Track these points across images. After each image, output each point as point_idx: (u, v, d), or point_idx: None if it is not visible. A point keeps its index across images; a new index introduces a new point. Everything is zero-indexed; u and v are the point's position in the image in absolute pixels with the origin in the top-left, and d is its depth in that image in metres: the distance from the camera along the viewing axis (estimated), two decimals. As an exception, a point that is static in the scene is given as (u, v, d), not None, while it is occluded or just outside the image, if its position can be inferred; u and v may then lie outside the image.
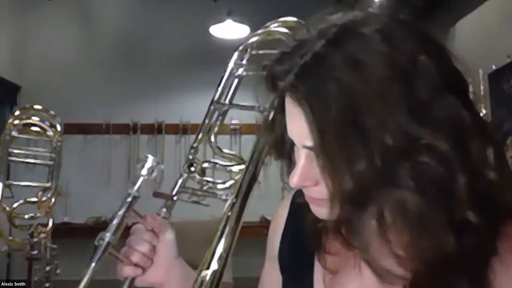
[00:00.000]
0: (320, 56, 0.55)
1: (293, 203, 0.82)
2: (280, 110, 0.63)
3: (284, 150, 0.68)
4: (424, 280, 0.57)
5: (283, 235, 0.80)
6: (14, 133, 2.15)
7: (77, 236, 4.32)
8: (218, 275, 0.52)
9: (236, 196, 0.67)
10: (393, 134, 0.51)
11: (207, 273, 0.51)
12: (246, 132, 4.79)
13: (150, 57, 5.01)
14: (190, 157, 0.77)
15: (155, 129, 5.02)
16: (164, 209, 0.82)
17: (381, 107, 0.52)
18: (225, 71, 0.86)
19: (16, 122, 2.15)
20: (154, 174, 0.72)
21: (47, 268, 2.22)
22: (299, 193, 0.80)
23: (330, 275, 0.70)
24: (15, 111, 2.23)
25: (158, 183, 0.77)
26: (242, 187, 0.69)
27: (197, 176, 0.77)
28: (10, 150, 2.15)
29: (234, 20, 4.19)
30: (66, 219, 4.51)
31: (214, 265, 0.52)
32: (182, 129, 4.97)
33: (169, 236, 0.80)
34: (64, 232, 3.72)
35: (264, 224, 4.52)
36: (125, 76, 4.94)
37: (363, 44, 0.54)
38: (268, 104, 0.67)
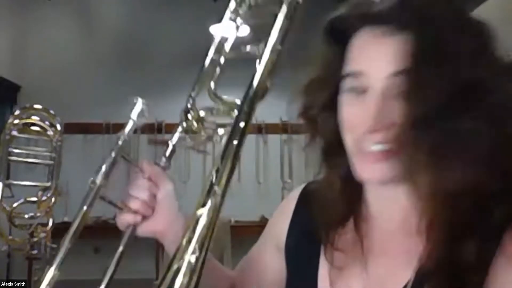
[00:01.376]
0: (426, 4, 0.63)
1: (300, 201, 0.82)
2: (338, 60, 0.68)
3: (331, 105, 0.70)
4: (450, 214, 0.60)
5: (290, 228, 0.81)
6: (14, 133, 2.14)
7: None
8: (214, 213, 0.50)
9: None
10: (475, 73, 0.59)
11: (203, 212, 0.49)
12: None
13: (150, 57, 5.01)
14: (188, 105, 0.73)
15: (155, 129, 5.03)
16: (163, 159, 0.77)
17: (468, 50, 0.60)
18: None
19: (16, 121, 2.15)
20: (144, 117, 0.70)
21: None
22: (307, 192, 0.81)
23: (335, 270, 0.71)
24: (15, 111, 2.23)
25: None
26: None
27: (195, 124, 0.72)
28: (10, 149, 2.15)
29: (234, 20, 4.18)
30: (66, 219, 4.51)
31: (209, 203, 0.49)
32: (182, 129, 4.97)
33: (169, 186, 0.76)
34: (64, 232, 3.72)
35: (264, 224, 4.47)
36: (125, 76, 4.94)
37: (453, 7, 0.65)
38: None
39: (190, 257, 0.45)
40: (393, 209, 0.70)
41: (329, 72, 0.70)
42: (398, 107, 0.61)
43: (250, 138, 4.99)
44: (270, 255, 0.84)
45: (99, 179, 0.69)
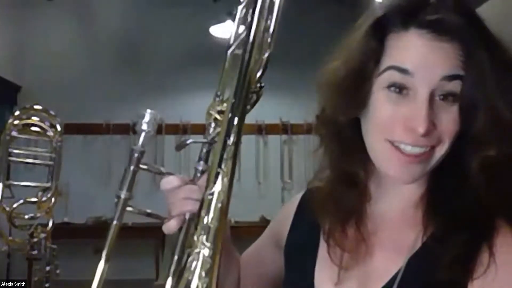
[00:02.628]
0: (477, 17, 0.66)
1: (301, 204, 0.83)
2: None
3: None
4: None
5: (292, 227, 0.82)
6: (14, 133, 2.14)
7: (77, 236, 4.33)
8: (225, 195, 0.47)
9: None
10: None
11: (214, 191, 0.48)
12: (246, 132, 4.79)
13: (150, 57, 5.02)
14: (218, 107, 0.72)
15: (155, 129, 5.02)
16: (201, 162, 0.73)
17: None
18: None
19: (16, 122, 2.15)
20: (154, 127, 0.70)
21: (47, 268, 2.22)
22: (309, 193, 0.81)
23: (335, 267, 0.71)
24: (15, 111, 2.23)
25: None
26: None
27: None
28: (10, 150, 2.15)
29: (234, 20, 4.18)
30: (66, 219, 4.51)
31: (218, 185, 0.49)
32: (182, 129, 4.97)
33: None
34: (64, 232, 3.72)
35: (264, 224, 4.45)
36: (125, 76, 4.94)
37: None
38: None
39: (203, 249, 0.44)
40: (394, 203, 0.72)
41: (366, 69, 0.67)
42: (448, 112, 0.64)
43: (250, 138, 5.00)
44: (269, 252, 0.86)
45: (123, 194, 0.68)
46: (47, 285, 2.21)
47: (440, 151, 0.65)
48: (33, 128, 2.17)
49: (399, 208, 0.72)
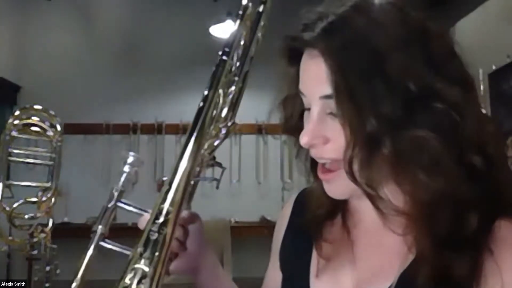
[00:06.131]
0: (344, 17, 0.62)
1: (296, 202, 0.83)
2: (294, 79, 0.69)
3: (293, 125, 0.73)
4: (428, 223, 0.61)
5: (285, 235, 0.82)
6: (14, 133, 2.14)
7: (77, 236, 4.32)
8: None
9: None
10: (413, 81, 0.59)
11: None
12: (246, 132, 4.79)
13: (150, 57, 5.02)
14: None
15: (155, 129, 5.03)
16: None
17: (402, 58, 0.59)
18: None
19: (16, 122, 2.15)
20: (135, 168, 0.72)
21: (47, 268, 2.22)
22: (303, 193, 0.81)
23: (324, 262, 0.72)
24: (15, 111, 2.23)
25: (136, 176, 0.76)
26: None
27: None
28: (10, 150, 2.15)
29: (234, 20, 4.18)
30: (66, 219, 4.51)
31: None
32: (182, 129, 4.97)
33: (197, 222, 0.75)
34: (64, 232, 3.72)
35: (264, 224, 4.41)
36: (125, 76, 4.94)
37: (381, 11, 0.62)
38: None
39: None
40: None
41: (294, 91, 0.71)
42: (334, 126, 0.63)
43: (250, 138, 5.00)
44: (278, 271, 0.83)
45: (99, 228, 0.70)
46: (47, 285, 2.21)
47: (344, 167, 0.62)
48: (33, 128, 2.18)
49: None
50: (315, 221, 0.75)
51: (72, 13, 5.11)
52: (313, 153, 0.67)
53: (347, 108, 0.60)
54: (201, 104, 0.66)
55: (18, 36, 4.88)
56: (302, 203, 0.80)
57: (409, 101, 0.59)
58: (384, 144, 0.59)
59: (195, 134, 0.62)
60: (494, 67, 3.05)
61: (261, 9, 0.79)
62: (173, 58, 4.94)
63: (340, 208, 0.75)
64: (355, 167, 0.61)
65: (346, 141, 0.61)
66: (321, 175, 0.68)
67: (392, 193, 0.65)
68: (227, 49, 0.69)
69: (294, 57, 0.68)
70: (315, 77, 0.64)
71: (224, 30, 4.27)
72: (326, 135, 0.64)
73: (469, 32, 3.43)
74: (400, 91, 0.59)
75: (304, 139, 0.65)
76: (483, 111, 0.68)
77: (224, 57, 0.68)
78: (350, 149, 0.61)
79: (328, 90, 0.62)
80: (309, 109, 0.67)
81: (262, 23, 0.78)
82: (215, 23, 4.30)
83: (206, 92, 0.66)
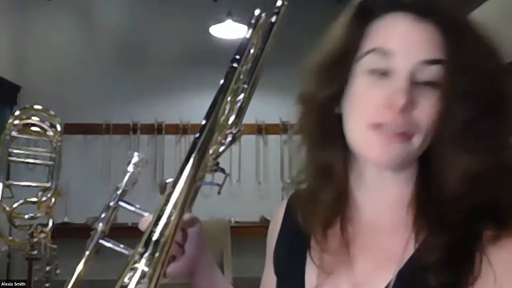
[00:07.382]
0: (465, 18, 0.66)
1: (288, 206, 0.82)
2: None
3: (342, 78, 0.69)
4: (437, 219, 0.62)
5: (278, 237, 0.82)
6: (14, 133, 2.14)
7: (77, 236, 4.32)
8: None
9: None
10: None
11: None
12: (246, 132, 4.79)
13: (150, 57, 5.02)
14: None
15: (155, 129, 5.03)
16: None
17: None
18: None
19: (16, 122, 2.15)
20: (139, 168, 0.72)
21: (47, 268, 2.22)
22: (294, 196, 0.81)
23: (322, 273, 0.71)
24: (15, 111, 2.23)
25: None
26: None
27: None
28: (10, 150, 2.15)
29: (234, 20, 4.19)
30: (66, 219, 4.51)
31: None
32: (182, 129, 4.97)
33: (196, 225, 0.73)
34: (64, 232, 3.72)
35: (264, 224, 4.48)
36: (125, 76, 4.94)
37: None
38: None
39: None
40: (380, 204, 0.70)
41: (348, 50, 0.67)
42: (427, 98, 0.63)
43: (250, 138, 4.99)
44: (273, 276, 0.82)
45: (99, 226, 0.69)
46: (47, 285, 2.21)
47: (419, 140, 0.63)
48: (33, 128, 2.17)
49: (385, 210, 0.70)
50: (313, 229, 0.73)
51: (72, 13, 5.11)
52: (398, 119, 0.62)
53: (459, 80, 0.61)
54: (209, 110, 0.64)
55: (18, 36, 4.88)
56: (294, 209, 0.79)
57: (493, 98, 0.62)
58: (478, 126, 0.61)
59: (201, 140, 0.61)
60: (494, 67, 3.05)
61: (273, 19, 0.78)
62: (173, 58, 4.94)
63: (338, 216, 0.73)
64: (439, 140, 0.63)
65: (441, 112, 0.62)
66: (381, 142, 0.64)
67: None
68: (237, 57, 0.68)
69: (365, 16, 0.67)
70: (424, 40, 0.63)
71: (224, 30, 4.27)
72: (413, 102, 0.62)
73: (469, 32, 3.43)
74: (489, 87, 0.62)
75: (401, 99, 0.61)
76: None
77: (235, 64, 0.67)
78: (446, 121, 0.62)
79: (439, 54, 0.62)
80: (383, 73, 0.64)
81: (273, 33, 0.77)
82: (215, 23, 4.30)
83: (214, 98, 0.65)
